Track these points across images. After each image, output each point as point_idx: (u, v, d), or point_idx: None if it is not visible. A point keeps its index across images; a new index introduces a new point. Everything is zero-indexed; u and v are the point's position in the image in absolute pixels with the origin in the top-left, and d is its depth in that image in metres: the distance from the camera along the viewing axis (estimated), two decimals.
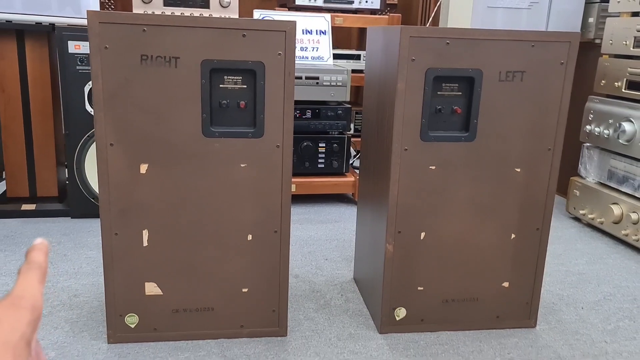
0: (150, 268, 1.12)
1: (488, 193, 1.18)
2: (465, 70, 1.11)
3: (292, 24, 1.05)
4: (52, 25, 1.73)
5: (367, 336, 1.21)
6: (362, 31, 3.07)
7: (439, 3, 2.47)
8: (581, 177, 2.00)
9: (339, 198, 2.17)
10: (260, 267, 1.16)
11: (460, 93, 1.14)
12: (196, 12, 2.41)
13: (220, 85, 1.08)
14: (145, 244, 1.11)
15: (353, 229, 1.88)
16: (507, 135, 1.16)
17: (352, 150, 2.52)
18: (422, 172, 1.16)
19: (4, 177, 1.87)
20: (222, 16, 2.43)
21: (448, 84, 1.13)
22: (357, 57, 2.71)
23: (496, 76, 1.12)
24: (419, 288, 1.22)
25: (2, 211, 1.79)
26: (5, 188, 1.88)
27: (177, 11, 2.39)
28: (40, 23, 1.72)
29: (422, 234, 1.20)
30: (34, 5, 1.68)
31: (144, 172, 1.08)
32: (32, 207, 1.82)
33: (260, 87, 1.07)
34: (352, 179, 2.09)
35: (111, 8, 2.93)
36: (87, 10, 0.99)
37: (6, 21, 1.69)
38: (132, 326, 1.14)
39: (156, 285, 1.13)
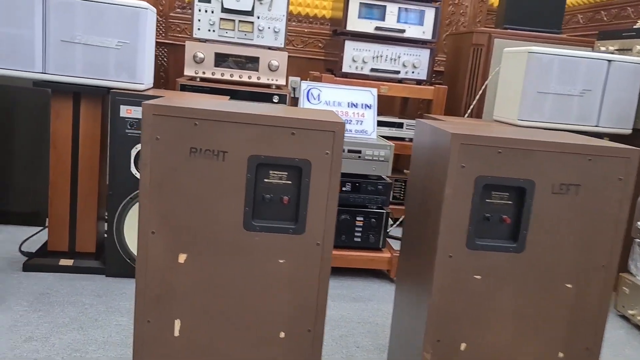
0: (180, 359, 1.10)
1: (535, 307, 1.12)
2: (516, 180, 1.07)
3: (341, 126, 1.05)
4: (108, 88, 1.79)
5: None
6: (405, 98, 3.08)
7: (486, 83, 2.45)
8: (631, 274, 1.89)
9: (374, 273, 2.13)
10: None
11: (511, 202, 1.10)
12: (245, 74, 2.47)
13: (265, 180, 1.07)
14: (176, 333, 1.09)
15: (387, 310, 1.82)
16: (559, 248, 1.10)
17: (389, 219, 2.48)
18: (466, 280, 1.11)
19: (46, 224, 1.91)
20: (270, 79, 2.49)
21: (498, 192, 1.09)
22: (399, 125, 2.70)
23: (549, 188, 1.08)
24: None
25: (41, 265, 1.82)
26: (46, 240, 1.92)
27: (227, 72, 2.45)
28: (97, 86, 1.78)
29: (463, 345, 1.14)
30: (93, 69, 1.75)
31: (182, 261, 1.07)
32: (69, 262, 1.84)
33: (305, 184, 1.06)
34: (389, 255, 2.04)
35: (163, 66, 3.04)
36: (143, 103, 1.01)
37: (66, 83, 1.75)
38: None
39: None
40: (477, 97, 2.49)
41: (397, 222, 2.60)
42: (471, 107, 2.49)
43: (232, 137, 1.03)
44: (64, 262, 1.84)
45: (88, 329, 1.50)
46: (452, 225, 1.08)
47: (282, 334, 1.11)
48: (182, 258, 1.07)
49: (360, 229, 2.01)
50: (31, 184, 2.22)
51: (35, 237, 2.06)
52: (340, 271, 2.07)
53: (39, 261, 1.84)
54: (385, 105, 3.09)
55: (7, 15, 1.68)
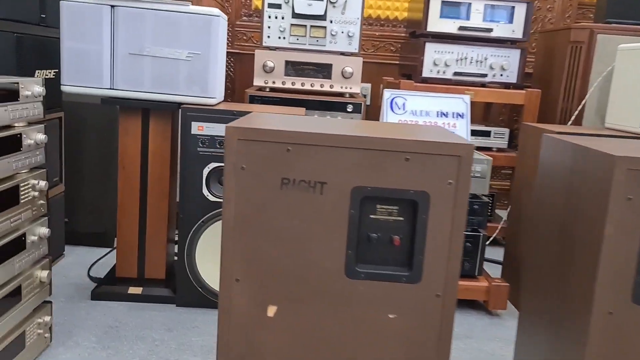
0: None
1: None
2: None
3: (470, 148, 0.83)
4: (178, 104, 1.65)
5: None
6: (488, 104, 2.81)
7: (594, 85, 2.15)
8: None
9: (469, 304, 1.88)
10: None
11: None
12: (317, 82, 2.30)
13: (371, 216, 0.87)
14: None
15: (489, 350, 1.58)
16: None
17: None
18: (632, 344, 0.86)
19: (114, 246, 1.81)
20: (344, 87, 2.30)
21: None
22: (486, 134, 2.45)
23: None
24: None
25: (109, 293, 1.71)
26: (114, 265, 1.81)
27: (298, 81, 2.29)
28: (167, 102, 1.65)
29: None
30: (162, 84, 1.62)
31: (272, 315, 0.89)
32: (138, 290, 1.72)
33: (421, 222, 0.86)
34: (486, 283, 1.80)
35: (230, 77, 2.92)
36: (226, 126, 0.84)
37: (135, 100, 1.64)
38: None
39: None
40: (585, 101, 2.19)
41: (488, 241, 2.33)
42: (576, 112, 2.20)
43: (332, 164, 0.84)
44: (132, 290, 1.72)
45: None
46: (614, 273, 0.85)
47: None
48: (271, 311, 0.89)
49: None
50: (100, 204, 2.14)
51: (103, 260, 1.96)
52: None
53: (107, 289, 1.72)
54: None
55: (74, 28, 1.58)
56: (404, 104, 1.84)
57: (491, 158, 1.77)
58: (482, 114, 2.88)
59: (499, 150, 2.44)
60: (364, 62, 2.88)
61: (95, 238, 2.14)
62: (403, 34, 2.89)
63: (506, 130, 2.45)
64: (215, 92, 1.66)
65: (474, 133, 2.41)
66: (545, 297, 1.02)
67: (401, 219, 0.87)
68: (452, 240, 0.86)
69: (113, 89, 1.62)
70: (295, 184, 0.85)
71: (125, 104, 1.65)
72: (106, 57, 1.60)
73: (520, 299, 1.17)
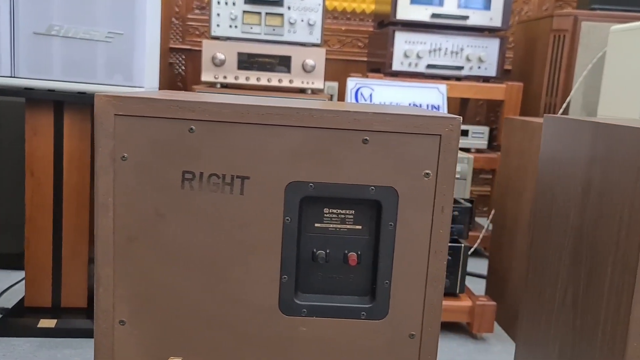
0: None
1: None
2: None
3: (455, 124, 0.58)
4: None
5: None
6: (463, 101, 2.59)
7: (584, 73, 1.94)
8: None
9: (450, 327, 1.63)
10: None
11: None
12: (275, 77, 2.04)
13: (317, 225, 0.61)
14: None
15: None
16: None
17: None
18: None
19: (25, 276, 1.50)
20: (305, 82, 2.04)
21: None
22: (464, 133, 2.22)
23: None
24: None
25: (15, 327, 1.39)
26: (23, 294, 1.49)
27: (253, 76, 2.02)
28: (84, 92, 1.36)
29: None
30: (76, 71, 1.33)
31: None
32: (52, 323, 1.41)
33: (387, 232, 0.59)
34: (469, 303, 1.54)
35: (181, 75, 2.64)
36: (96, 95, 0.57)
37: (43, 90, 1.34)
38: None
39: None
40: (572, 93, 1.98)
41: (470, 251, 2.08)
42: (564, 106, 1.98)
43: (257, 150, 0.58)
44: (44, 322, 1.41)
45: None
46: None
47: None
48: None
49: None
50: (13, 220, 1.81)
51: (18, 287, 1.65)
52: None
53: (12, 322, 1.41)
54: None
55: None
56: (370, 95, 1.59)
57: (472, 156, 1.53)
58: (457, 112, 2.66)
59: (478, 151, 2.21)
60: (329, 59, 2.63)
61: (10, 260, 1.81)
62: (371, 28, 2.66)
63: (486, 129, 2.23)
64: (142, 80, 1.38)
65: None
66: (553, 324, 0.77)
67: (359, 227, 0.61)
68: (432, 257, 0.60)
69: (14, 77, 1.32)
70: (202, 181, 0.58)
71: (31, 95, 1.35)
72: (4, 37, 1.30)
73: (517, 328, 0.92)
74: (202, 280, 0.59)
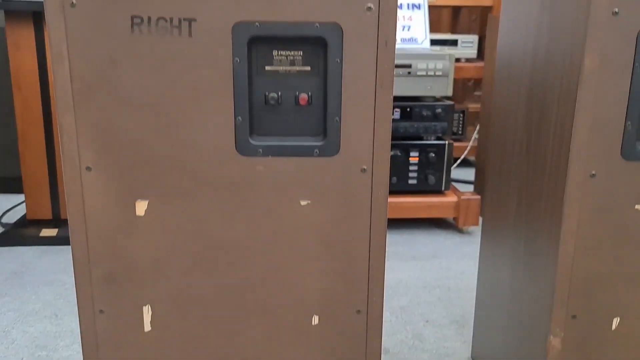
0: None
1: None
2: None
3: None
4: None
5: None
6: (455, 12, 2.54)
7: None
8: None
9: (436, 223, 1.68)
10: None
11: None
12: None
13: (267, 68, 0.63)
14: (147, 327, 0.69)
15: (459, 269, 1.38)
16: None
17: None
18: (621, 213, 0.65)
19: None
20: None
21: None
22: (453, 43, 2.19)
23: None
24: None
25: (19, 237, 1.46)
26: (25, 209, 1.55)
27: None
28: None
29: (615, 321, 0.69)
30: None
31: (142, 213, 0.65)
32: (53, 232, 1.48)
33: (334, 69, 0.62)
34: (454, 198, 1.58)
35: None
36: None
37: (21, 0, 1.34)
38: None
39: None
40: None
41: (458, 162, 2.11)
42: None
43: None
44: (46, 232, 1.48)
45: (64, 316, 1.13)
46: (596, 122, 0.62)
47: (316, 319, 0.69)
48: (140, 208, 0.65)
49: (416, 168, 1.56)
50: (8, 143, 1.86)
51: (20, 207, 1.71)
52: (393, 224, 1.63)
53: (15, 232, 1.48)
54: (430, 20, 2.57)
55: None
56: None
57: (453, 53, 1.53)
58: (450, 23, 2.62)
59: (468, 60, 2.19)
60: None
61: (11, 184, 1.87)
62: None
63: (475, 37, 2.20)
64: None
65: (440, 42, 2.16)
66: (512, 174, 0.80)
67: (308, 68, 0.63)
68: (379, 93, 0.62)
69: None
70: (151, 25, 0.60)
71: (9, 6, 1.36)
72: None
73: (484, 209, 0.95)
74: (158, 124, 0.62)
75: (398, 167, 1.55)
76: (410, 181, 1.57)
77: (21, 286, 1.25)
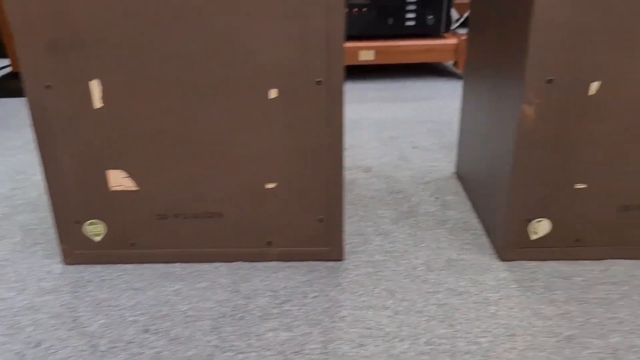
0: (111, 145, 0.68)
1: None
2: None
3: None
4: None
5: (478, 265, 0.71)
6: None
7: None
8: None
9: (435, 70, 1.60)
10: (295, 146, 0.68)
11: None
12: None
13: None
14: (98, 104, 0.66)
15: (455, 107, 1.32)
16: None
17: (454, 13, 1.88)
18: None
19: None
20: None
21: None
22: None
23: None
24: (578, 186, 0.69)
25: (7, 90, 1.45)
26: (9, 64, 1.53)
27: None
28: None
29: (594, 85, 0.64)
30: None
31: None
32: None
33: None
34: (454, 41, 1.49)
35: None
36: None
37: None
38: (97, 239, 0.73)
39: (126, 174, 0.70)
40: None
41: (461, 20, 1.98)
42: None
43: None
44: None
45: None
46: None
47: (273, 93, 0.65)
48: None
49: (414, 8, 1.46)
50: None
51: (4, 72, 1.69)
52: (388, 70, 1.56)
53: (4, 85, 1.46)
54: None
55: None
56: None
57: None
58: None
59: None
60: None
61: None
62: None
63: None
64: None
65: None
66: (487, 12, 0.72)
67: None
68: None
69: None
70: None
71: None
72: None
73: (470, 19, 0.87)
74: None
75: (393, 8, 1.46)
76: (408, 23, 1.47)
77: (19, 126, 1.25)
